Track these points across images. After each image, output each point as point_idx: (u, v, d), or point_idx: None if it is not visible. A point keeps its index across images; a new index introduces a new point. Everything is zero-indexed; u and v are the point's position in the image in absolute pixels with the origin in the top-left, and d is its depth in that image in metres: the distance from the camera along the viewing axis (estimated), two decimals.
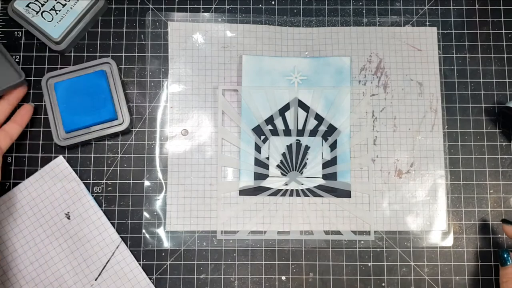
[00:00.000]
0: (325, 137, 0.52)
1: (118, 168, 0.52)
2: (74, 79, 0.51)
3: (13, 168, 0.51)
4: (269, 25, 0.54)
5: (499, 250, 0.47)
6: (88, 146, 0.52)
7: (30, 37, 0.53)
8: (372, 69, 0.53)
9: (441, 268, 0.50)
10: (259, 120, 0.52)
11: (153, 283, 0.49)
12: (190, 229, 0.50)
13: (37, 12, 0.51)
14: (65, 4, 0.52)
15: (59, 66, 0.53)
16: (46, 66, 0.53)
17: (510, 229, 0.47)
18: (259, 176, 0.51)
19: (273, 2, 0.55)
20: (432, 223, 0.51)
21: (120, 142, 0.52)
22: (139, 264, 0.49)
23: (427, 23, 0.54)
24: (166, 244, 0.50)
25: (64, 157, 0.51)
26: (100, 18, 0.54)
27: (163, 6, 0.54)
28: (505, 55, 0.54)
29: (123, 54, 0.53)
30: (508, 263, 0.46)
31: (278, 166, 0.51)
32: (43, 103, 0.52)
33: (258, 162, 0.51)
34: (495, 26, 0.54)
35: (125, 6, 0.54)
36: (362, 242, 0.50)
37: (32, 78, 0.53)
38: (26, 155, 0.51)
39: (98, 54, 0.53)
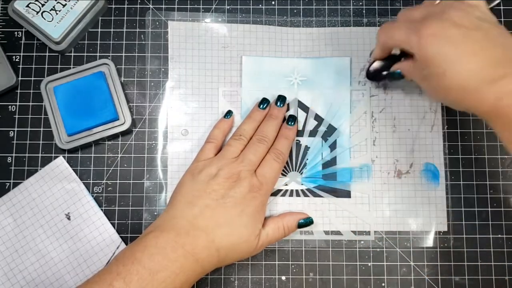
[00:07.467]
0: (324, 137, 0.52)
1: (118, 168, 0.52)
2: (73, 82, 0.51)
3: (13, 168, 0.51)
4: (269, 25, 0.54)
5: (393, 72, 0.47)
6: (88, 147, 0.52)
7: (30, 37, 0.53)
8: None
9: (441, 268, 0.50)
10: None
11: None
12: None
13: (37, 12, 0.51)
14: (65, 4, 0.52)
15: (59, 67, 0.53)
16: (46, 66, 0.53)
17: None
18: None
19: (273, 2, 0.55)
20: (432, 223, 0.51)
21: (120, 142, 0.52)
22: None
23: None
24: None
25: (64, 157, 0.51)
26: (100, 18, 0.54)
27: (163, 6, 0.54)
28: None
29: (123, 54, 0.53)
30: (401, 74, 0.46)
31: None
32: (43, 104, 0.52)
33: None
34: None
35: (125, 6, 0.54)
36: (362, 242, 0.50)
37: (32, 78, 0.53)
38: (26, 155, 0.51)
39: (98, 54, 0.53)
